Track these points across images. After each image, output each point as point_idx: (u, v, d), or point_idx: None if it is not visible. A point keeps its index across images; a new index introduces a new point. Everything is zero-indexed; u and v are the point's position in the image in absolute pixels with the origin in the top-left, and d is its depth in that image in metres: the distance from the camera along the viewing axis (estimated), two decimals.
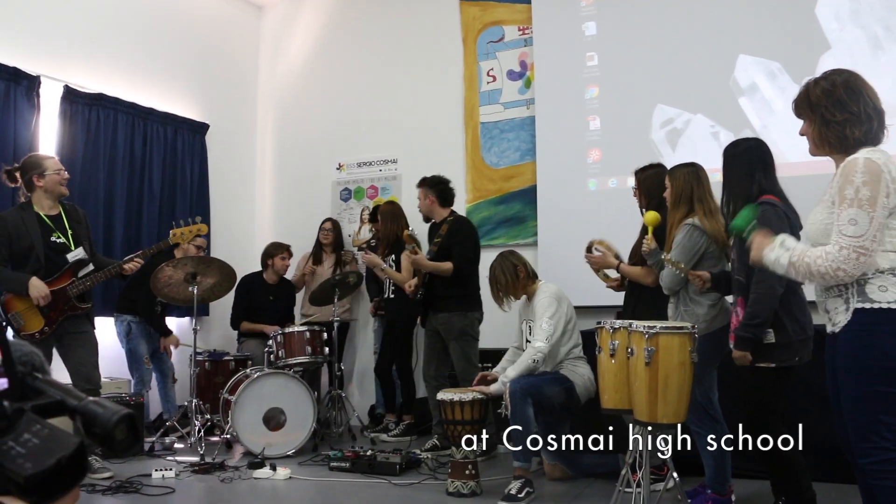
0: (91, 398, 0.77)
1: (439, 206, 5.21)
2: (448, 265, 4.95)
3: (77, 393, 0.78)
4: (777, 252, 2.30)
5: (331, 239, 6.41)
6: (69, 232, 4.34)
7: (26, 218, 4.24)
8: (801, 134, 2.45)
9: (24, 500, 0.69)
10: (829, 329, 2.42)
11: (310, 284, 6.27)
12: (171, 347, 5.76)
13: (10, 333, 4.23)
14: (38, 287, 4.15)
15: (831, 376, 2.49)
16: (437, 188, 5.21)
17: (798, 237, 2.76)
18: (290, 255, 6.24)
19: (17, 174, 4.30)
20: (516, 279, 4.18)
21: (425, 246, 5.37)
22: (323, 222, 6.49)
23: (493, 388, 4.01)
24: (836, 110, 2.33)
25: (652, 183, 4.00)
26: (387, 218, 5.73)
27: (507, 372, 3.98)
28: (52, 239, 4.28)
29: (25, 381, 0.78)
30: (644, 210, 4.10)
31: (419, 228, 5.52)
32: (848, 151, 2.30)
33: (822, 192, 2.45)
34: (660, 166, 4.14)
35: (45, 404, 0.75)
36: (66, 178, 4.38)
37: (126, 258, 4.50)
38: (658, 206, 3.92)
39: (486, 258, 5.19)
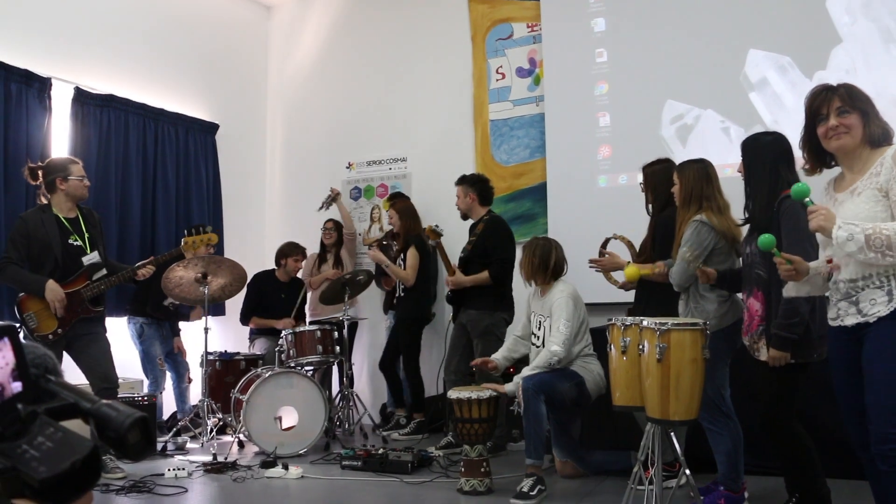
0: (104, 401, 0.77)
1: (479, 204, 5.17)
2: (485, 275, 4.94)
3: (90, 395, 0.78)
4: (847, 228, 2.24)
5: (333, 238, 6.43)
6: (86, 235, 4.38)
7: (46, 220, 4.28)
8: (847, 125, 2.41)
9: (38, 503, 0.70)
10: (851, 321, 2.39)
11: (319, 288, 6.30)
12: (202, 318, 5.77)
13: (22, 334, 4.26)
14: (54, 290, 4.19)
15: (843, 369, 2.47)
16: (477, 186, 5.17)
17: None
18: (304, 257, 6.27)
19: (40, 173, 4.34)
20: (545, 270, 4.15)
21: (454, 240, 5.34)
22: (325, 222, 6.50)
23: (508, 388, 4.01)
24: (876, 109, 2.45)
25: (659, 178, 3.99)
26: (407, 216, 5.73)
27: (524, 372, 3.98)
28: (70, 241, 4.32)
29: (39, 384, 0.78)
30: (650, 206, 4.10)
31: (447, 225, 5.49)
32: (879, 145, 2.40)
33: (829, 186, 2.55)
34: (667, 161, 4.12)
35: (59, 407, 0.75)
36: (87, 184, 4.44)
37: (138, 264, 4.54)
38: (665, 203, 3.92)
39: None
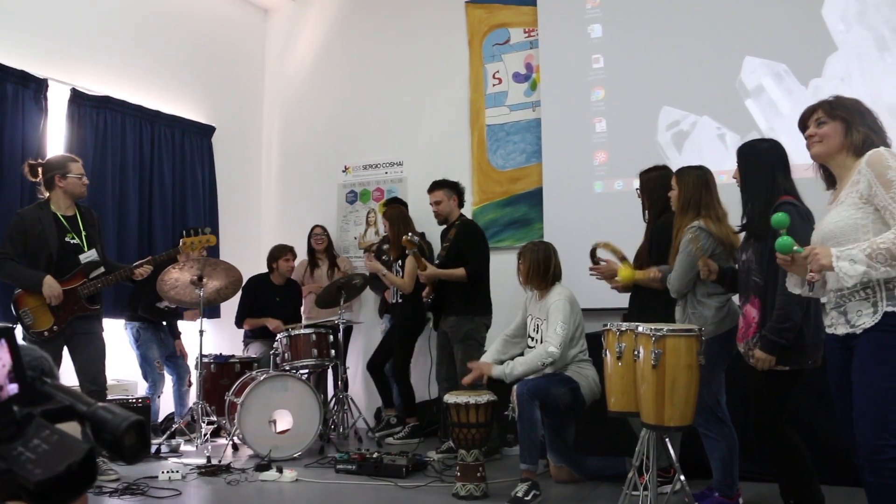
0: (100, 404, 0.77)
1: (458, 207, 5.25)
2: (461, 271, 4.96)
3: (86, 398, 0.78)
4: (846, 256, 2.25)
5: (324, 245, 6.43)
6: (83, 233, 4.38)
7: (43, 217, 4.28)
8: (821, 134, 2.48)
9: None
10: (842, 331, 2.42)
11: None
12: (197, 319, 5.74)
13: (19, 330, 4.26)
14: (51, 286, 4.18)
15: (838, 377, 2.49)
16: (457, 189, 5.26)
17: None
18: (295, 256, 6.25)
19: (40, 170, 4.34)
20: (542, 274, 4.17)
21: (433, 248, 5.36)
22: (313, 228, 6.48)
23: (496, 371, 4.00)
24: (865, 118, 2.48)
25: (655, 185, 4.00)
26: (397, 221, 5.72)
27: (515, 365, 3.97)
28: (67, 239, 4.32)
29: (34, 386, 0.78)
30: (646, 212, 4.10)
31: (431, 230, 5.46)
32: (863, 153, 2.41)
33: (830, 194, 2.56)
34: (664, 168, 4.13)
35: (54, 409, 0.75)
36: (86, 182, 4.44)
37: (136, 263, 4.54)
38: (662, 209, 3.93)
39: (492, 260, 5.21)
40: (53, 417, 0.74)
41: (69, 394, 0.78)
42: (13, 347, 0.74)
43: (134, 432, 0.73)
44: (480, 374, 4.08)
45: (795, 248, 2.39)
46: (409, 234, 5.19)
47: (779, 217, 2.46)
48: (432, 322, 5.34)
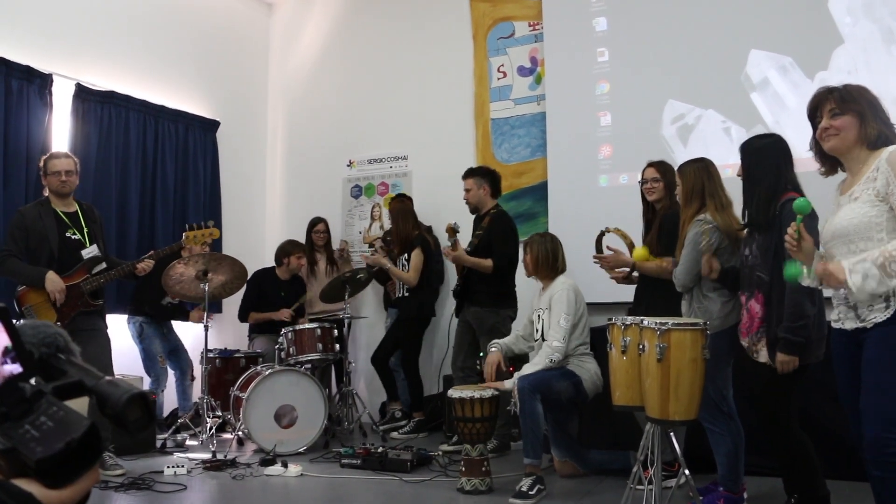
0: (107, 378, 0.76)
1: (490, 196, 5.14)
2: (488, 262, 4.88)
3: (95, 373, 0.77)
4: (859, 269, 2.22)
5: (326, 240, 6.43)
6: (85, 229, 4.39)
7: (44, 213, 4.30)
8: (837, 127, 2.43)
9: (40, 483, 0.69)
10: (850, 325, 2.40)
11: (311, 286, 6.29)
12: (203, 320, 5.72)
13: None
14: (54, 281, 4.19)
15: (845, 372, 2.47)
16: (489, 177, 5.14)
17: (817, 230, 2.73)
18: (306, 254, 6.25)
19: (39, 166, 4.40)
20: (551, 265, 4.17)
21: (465, 236, 5.32)
22: (316, 224, 6.44)
23: (507, 384, 4.00)
24: (879, 111, 2.44)
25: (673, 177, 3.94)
26: (398, 216, 5.72)
27: (524, 369, 3.97)
28: (68, 235, 4.33)
29: (49, 363, 0.78)
30: (656, 204, 4.08)
31: (437, 224, 5.43)
32: (877, 147, 2.38)
33: (838, 186, 2.54)
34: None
35: (66, 385, 0.75)
36: (64, 180, 4.34)
37: (139, 259, 4.54)
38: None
39: None
40: (65, 393, 0.74)
41: (80, 369, 0.78)
42: (9, 327, 0.74)
43: (136, 405, 0.73)
44: (493, 386, 4.06)
45: (805, 272, 2.39)
46: (454, 222, 5.09)
47: (801, 202, 2.42)
48: (455, 309, 5.26)
